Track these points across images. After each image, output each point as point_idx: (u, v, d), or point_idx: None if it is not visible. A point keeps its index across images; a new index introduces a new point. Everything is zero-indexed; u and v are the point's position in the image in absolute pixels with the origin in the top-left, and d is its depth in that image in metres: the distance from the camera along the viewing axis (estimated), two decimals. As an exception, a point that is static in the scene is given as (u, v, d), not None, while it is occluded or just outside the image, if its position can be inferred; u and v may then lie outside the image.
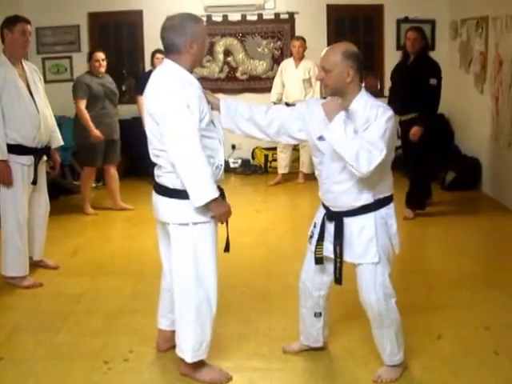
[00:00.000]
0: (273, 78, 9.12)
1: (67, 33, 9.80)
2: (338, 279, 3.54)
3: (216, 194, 3.30)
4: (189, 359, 3.57)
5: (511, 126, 7.14)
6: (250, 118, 3.67)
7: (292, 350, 3.97)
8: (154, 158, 3.60)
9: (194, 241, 3.45)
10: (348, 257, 3.49)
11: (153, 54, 8.86)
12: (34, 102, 5.06)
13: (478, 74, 8.35)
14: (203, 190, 3.28)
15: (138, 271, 5.52)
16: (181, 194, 3.38)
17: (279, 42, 9.73)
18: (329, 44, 9.83)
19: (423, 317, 4.45)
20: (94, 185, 8.61)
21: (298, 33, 9.50)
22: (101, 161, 7.46)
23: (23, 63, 5.13)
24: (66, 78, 9.60)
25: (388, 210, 3.49)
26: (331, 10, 9.86)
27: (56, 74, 9.76)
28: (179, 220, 3.46)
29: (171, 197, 3.47)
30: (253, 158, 9.97)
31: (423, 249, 6.33)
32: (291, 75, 8.80)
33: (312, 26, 9.66)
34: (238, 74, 9.95)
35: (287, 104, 8.62)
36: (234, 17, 9.84)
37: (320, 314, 3.80)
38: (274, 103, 8.51)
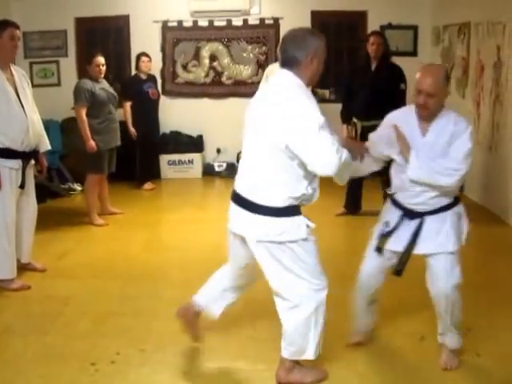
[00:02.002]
0: (258, 82, 9.16)
1: (54, 37, 9.87)
2: (399, 271, 3.89)
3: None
4: (312, 356, 3.65)
5: (492, 131, 7.25)
6: None
7: (357, 340, 4.17)
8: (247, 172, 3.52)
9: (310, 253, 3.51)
10: (425, 250, 3.75)
11: (138, 57, 8.95)
12: (22, 106, 5.08)
13: (459, 79, 8.47)
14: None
15: (125, 273, 5.57)
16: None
17: (264, 47, 9.81)
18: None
19: (407, 318, 4.54)
20: (79, 188, 8.66)
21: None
22: (107, 167, 7.34)
23: (11, 68, 5.16)
24: (53, 83, 9.68)
25: (460, 207, 3.81)
26: (316, 16, 9.97)
27: (43, 78, 9.82)
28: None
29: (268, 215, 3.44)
30: (238, 161, 10.02)
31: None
32: None
33: (297, 32, 9.77)
34: (224, 79, 10.03)
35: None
36: (220, 22, 9.94)
37: (373, 302, 4.10)
38: None
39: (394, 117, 3.93)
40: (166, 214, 7.96)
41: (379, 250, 3.87)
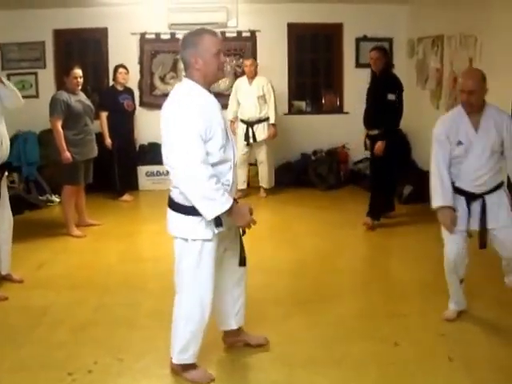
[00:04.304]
0: (236, 94, 9.25)
1: (33, 49, 9.83)
2: (484, 244, 4.48)
3: (226, 206, 3.40)
4: (175, 360, 3.81)
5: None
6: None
7: (452, 317, 4.67)
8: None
9: (193, 255, 3.61)
10: (492, 225, 4.45)
11: (115, 69, 8.97)
12: None
13: (433, 91, 8.59)
14: (211, 208, 3.40)
15: (102, 284, 5.59)
16: (183, 209, 3.55)
17: (241, 60, 9.82)
18: (289, 61, 10.08)
19: (381, 324, 4.62)
20: (57, 200, 8.64)
21: (259, 50, 9.74)
22: (82, 179, 7.32)
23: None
24: (31, 94, 9.62)
25: (506, 186, 4.56)
26: (292, 28, 10.08)
27: (21, 90, 9.61)
28: (181, 235, 3.63)
29: (176, 211, 3.62)
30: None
31: (382, 259, 6.51)
32: (245, 93, 8.94)
33: (273, 44, 9.88)
34: (202, 91, 10.02)
35: (242, 121, 8.87)
36: (198, 34, 9.94)
37: (462, 280, 4.67)
38: (231, 121, 8.71)
39: (444, 121, 4.55)
40: (144, 225, 7.97)
41: (470, 234, 4.52)
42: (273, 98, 8.79)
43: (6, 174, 5.40)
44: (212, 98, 3.55)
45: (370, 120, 7.31)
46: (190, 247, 3.59)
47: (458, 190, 4.46)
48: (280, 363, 4.05)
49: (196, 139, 3.32)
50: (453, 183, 4.44)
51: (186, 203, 3.50)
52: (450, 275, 4.61)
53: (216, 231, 3.53)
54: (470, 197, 4.45)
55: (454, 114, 4.51)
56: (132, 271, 5.97)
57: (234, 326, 4.15)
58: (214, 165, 3.42)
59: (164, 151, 3.48)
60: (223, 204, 3.37)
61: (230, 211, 3.41)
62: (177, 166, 3.40)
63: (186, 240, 3.59)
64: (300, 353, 4.18)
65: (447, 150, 4.41)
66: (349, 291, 5.47)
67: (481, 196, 4.44)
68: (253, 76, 8.94)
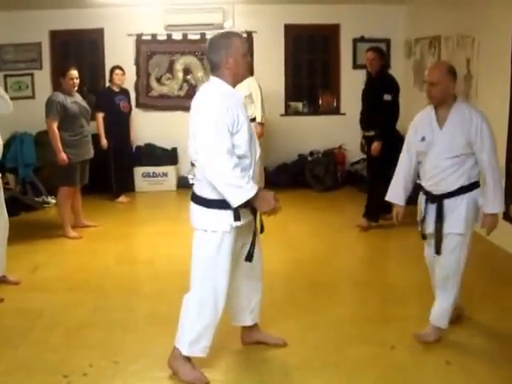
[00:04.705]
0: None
1: (29, 50, 9.82)
2: (437, 250, 4.21)
3: (251, 192, 3.51)
4: (184, 352, 3.82)
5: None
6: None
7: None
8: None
9: (211, 246, 3.70)
10: (445, 229, 4.18)
11: (112, 70, 8.97)
12: None
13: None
14: (237, 195, 3.51)
15: (98, 286, 5.57)
16: (205, 202, 3.68)
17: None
18: (286, 62, 10.08)
19: (377, 328, 4.59)
20: (53, 201, 8.62)
21: (256, 51, 9.67)
22: (78, 180, 7.30)
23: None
24: (27, 95, 9.65)
25: (479, 191, 4.18)
26: (289, 29, 10.09)
27: (17, 91, 9.77)
28: (201, 226, 3.74)
29: (198, 204, 3.75)
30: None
31: (377, 261, 6.49)
32: None
33: (270, 45, 9.87)
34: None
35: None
36: (194, 35, 9.99)
37: None
38: None
39: (418, 115, 4.43)
40: (140, 226, 7.96)
41: (424, 237, 4.35)
42: (259, 96, 8.60)
43: (0, 175, 5.38)
44: (238, 95, 3.82)
45: (366, 121, 7.31)
46: (208, 238, 3.70)
47: (422, 189, 4.38)
48: (275, 366, 4.03)
49: (224, 131, 3.48)
50: (419, 182, 4.37)
51: (208, 196, 3.66)
52: (432, 279, 4.50)
53: (234, 225, 3.65)
54: (430, 197, 4.28)
55: (427, 109, 4.34)
56: (128, 273, 5.96)
57: (249, 323, 4.21)
58: (239, 157, 3.56)
59: (194, 146, 3.62)
60: (248, 191, 3.50)
61: (255, 198, 3.53)
62: (204, 156, 3.53)
63: (206, 231, 3.69)
64: (296, 356, 4.15)
65: (413, 145, 4.33)
66: (345, 293, 5.46)
67: (439, 198, 4.21)
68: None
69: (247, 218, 3.74)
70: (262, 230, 3.94)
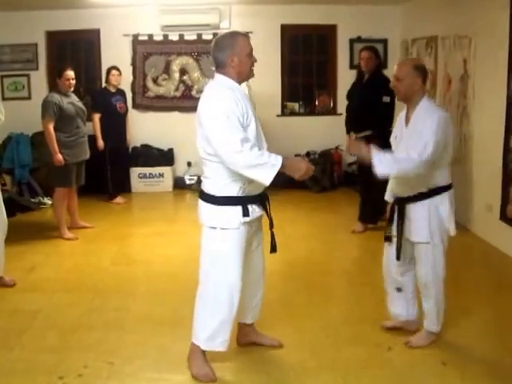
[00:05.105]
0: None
1: (25, 51, 9.83)
2: (397, 256, 4.17)
3: (277, 164, 3.61)
4: (203, 347, 3.85)
5: (459, 144, 7.33)
6: None
7: (391, 325, 4.50)
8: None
9: (221, 243, 3.73)
10: (408, 236, 4.12)
11: (108, 71, 8.97)
12: None
13: (427, 92, 8.54)
14: (265, 172, 3.61)
15: (93, 287, 5.56)
16: (213, 199, 3.72)
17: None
18: (283, 62, 10.08)
19: (373, 329, 4.56)
20: (49, 202, 8.60)
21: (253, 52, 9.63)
22: (74, 181, 7.29)
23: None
24: (23, 96, 9.65)
25: (442, 198, 4.06)
26: (285, 29, 10.10)
27: (14, 91, 9.77)
28: (210, 223, 3.76)
29: (206, 201, 3.77)
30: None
31: (371, 262, 6.38)
32: None
33: (266, 46, 9.81)
34: (194, 93, 10.04)
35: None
36: (190, 36, 9.99)
37: (400, 289, 4.40)
38: None
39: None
40: (136, 227, 7.95)
41: (387, 238, 4.29)
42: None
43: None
44: (243, 90, 3.83)
45: (357, 122, 7.20)
46: (217, 235, 3.72)
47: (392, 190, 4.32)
48: (271, 367, 4.02)
49: (235, 122, 3.53)
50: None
51: (216, 194, 3.70)
52: (385, 281, 4.52)
53: (242, 220, 3.70)
54: (395, 199, 4.22)
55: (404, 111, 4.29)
56: (124, 274, 5.94)
57: (249, 320, 4.22)
58: None
59: (200, 143, 3.70)
60: (274, 165, 3.58)
61: (283, 168, 3.63)
62: (220, 149, 3.53)
63: (215, 228, 3.71)
64: (291, 357, 4.14)
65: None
66: (341, 294, 5.46)
67: (403, 201, 4.13)
68: None
69: (256, 214, 3.80)
70: (272, 250, 3.97)
